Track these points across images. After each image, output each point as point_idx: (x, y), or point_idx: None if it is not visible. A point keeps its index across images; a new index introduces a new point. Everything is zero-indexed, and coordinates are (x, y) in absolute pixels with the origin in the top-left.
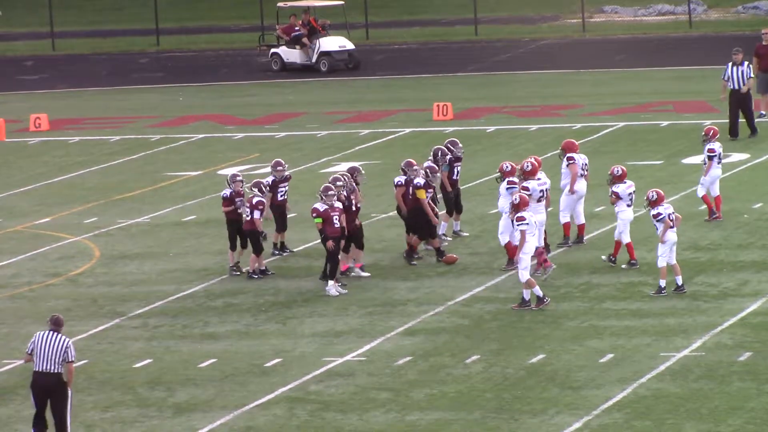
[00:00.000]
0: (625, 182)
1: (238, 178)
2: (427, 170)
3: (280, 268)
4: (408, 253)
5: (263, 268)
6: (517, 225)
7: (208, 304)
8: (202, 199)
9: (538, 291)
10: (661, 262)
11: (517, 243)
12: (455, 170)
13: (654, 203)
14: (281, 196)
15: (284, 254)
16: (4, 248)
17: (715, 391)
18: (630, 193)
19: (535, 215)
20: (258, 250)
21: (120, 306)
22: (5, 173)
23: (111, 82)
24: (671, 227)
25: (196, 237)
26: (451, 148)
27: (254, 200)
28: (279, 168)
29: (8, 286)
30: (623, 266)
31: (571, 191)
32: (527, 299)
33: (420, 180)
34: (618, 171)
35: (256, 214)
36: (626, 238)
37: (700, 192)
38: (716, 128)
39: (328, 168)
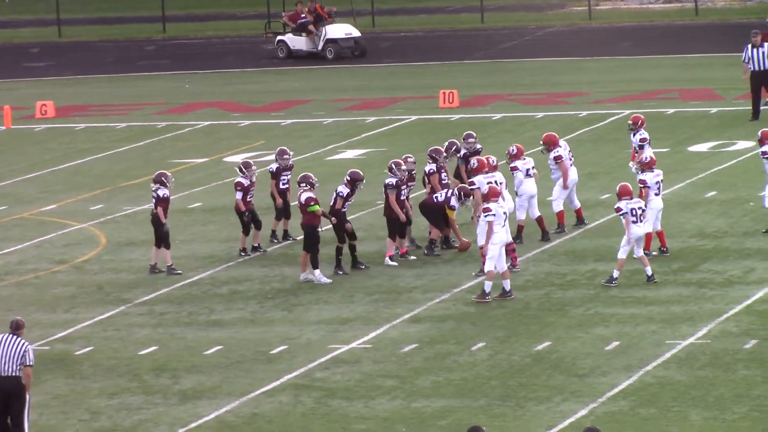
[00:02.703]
0: (652, 170)
1: (171, 179)
2: (432, 153)
3: (285, 256)
4: (429, 247)
5: (257, 244)
6: (483, 216)
7: (213, 291)
8: (207, 186)
9: (495, 285)
10: (622, 254)
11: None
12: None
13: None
14: (283, 184)
15: (289, 241)
16: (10, 235)
17: (721, 379)
18: (657, 182)
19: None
20: (257, 226)
21: (126, 293)
22: (11, 160)
23: (117, 69)
24: (634, 222)
25: (201, 224)
26: (465, 143)
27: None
28: (285, 156)
29: (14, 273)
30: (653, 253)
31: (565, 187)
32: (487, 291)
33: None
34: (646, 159)
35: (238, 195)
36: (657, 226)
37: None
38: (643, 117)
39: (334, 155)
